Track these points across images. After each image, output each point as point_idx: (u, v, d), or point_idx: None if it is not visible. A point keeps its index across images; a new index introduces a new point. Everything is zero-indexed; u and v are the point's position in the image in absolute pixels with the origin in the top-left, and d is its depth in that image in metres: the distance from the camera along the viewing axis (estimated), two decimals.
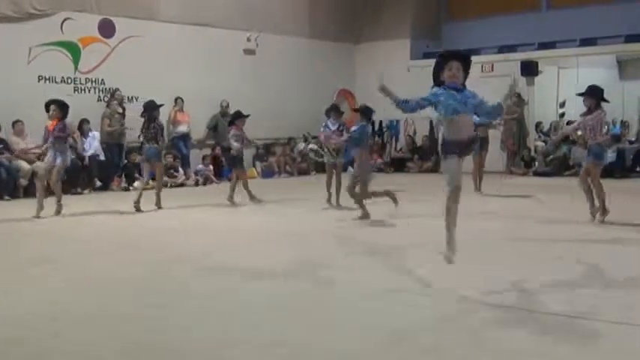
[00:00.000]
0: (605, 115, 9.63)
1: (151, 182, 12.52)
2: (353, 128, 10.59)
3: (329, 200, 11.68)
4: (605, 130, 9.99)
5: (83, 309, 5.54)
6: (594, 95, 9.41)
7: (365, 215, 10.02)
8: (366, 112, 10.70)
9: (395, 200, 10.24)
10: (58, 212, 10.98)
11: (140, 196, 11.45)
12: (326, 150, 11.68)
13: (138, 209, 11.30)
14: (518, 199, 12.61)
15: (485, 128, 12.92)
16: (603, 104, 9.38)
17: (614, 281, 6.19)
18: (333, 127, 11.62)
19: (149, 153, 11.74)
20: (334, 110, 12.02)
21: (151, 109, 11.81)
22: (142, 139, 12.05)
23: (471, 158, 12.97)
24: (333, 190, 11.58)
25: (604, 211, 9.44)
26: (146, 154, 11.84)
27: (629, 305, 5.33)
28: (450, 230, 6.16)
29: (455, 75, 6.02)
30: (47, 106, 11.09)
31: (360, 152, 10.08)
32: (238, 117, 12.69)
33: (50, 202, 10.93)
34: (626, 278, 6.24)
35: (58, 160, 10.94)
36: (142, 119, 11.90)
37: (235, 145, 12.33)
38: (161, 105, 12.17)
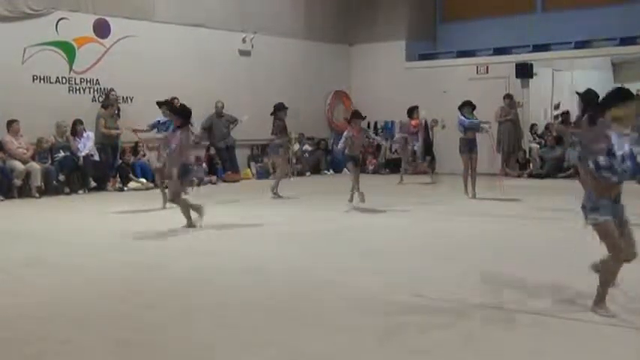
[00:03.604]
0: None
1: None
2: None
3: None
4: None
5: (73, 310, 5.54)
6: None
7: None
8: None
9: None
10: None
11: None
12: None
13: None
14: (507, 202, 12.60)
15: (473, 132, 12.95)
16: None
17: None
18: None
19: (269, 147, 13.89)
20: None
21: (276, 109, 13.60)
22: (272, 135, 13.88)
23: (460, 160, 13.06)
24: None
25: None
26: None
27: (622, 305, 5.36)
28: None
29: None
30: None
31: None
32: (357, 117, 12.12)
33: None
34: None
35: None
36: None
37: (339, 147, 12.16)
38: (287, 108, 13.71)
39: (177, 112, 10.05)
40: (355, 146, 11.90)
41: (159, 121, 11.90)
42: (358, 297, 5.76)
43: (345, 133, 11.98)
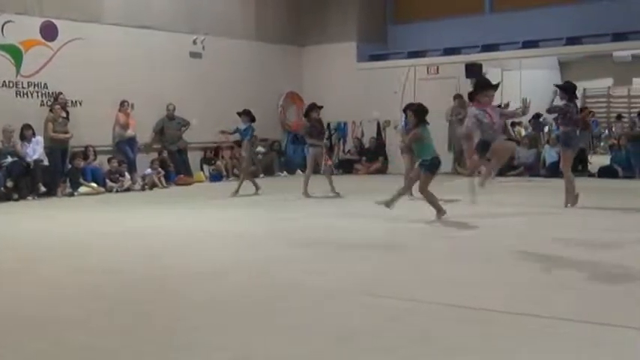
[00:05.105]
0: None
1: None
2: None
3: None
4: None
5: (27, 314, 5.44)
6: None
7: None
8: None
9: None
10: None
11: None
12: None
13: None
14: (455, 202, 12.73)
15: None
16: None
17: (560, 277, 6.32)
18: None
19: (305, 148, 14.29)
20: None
21: (307, 110, 13.82)
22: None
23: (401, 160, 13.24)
24: None
25: None
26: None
27: (569, 300, 5.46)
28: None
29: None
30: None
31: None
32: (485, 87, 8.94)
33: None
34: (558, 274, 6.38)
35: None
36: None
37: (464, 132, 9.29)
38: (321, 107, 13.93)
39: None
40: (491, 128, 8.70)
41: (237, 127, 14.30)
42: (314, 298, 5.77)
43: (470, 111, 8.97)
